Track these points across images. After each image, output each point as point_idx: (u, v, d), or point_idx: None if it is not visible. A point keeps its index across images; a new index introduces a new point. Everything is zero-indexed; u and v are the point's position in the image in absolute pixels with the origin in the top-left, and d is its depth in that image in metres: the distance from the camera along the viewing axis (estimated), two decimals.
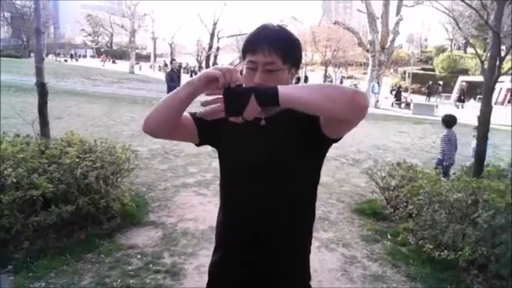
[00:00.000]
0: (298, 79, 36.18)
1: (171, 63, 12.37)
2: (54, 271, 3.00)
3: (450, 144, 5.76)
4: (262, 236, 1.29)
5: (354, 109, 1.06)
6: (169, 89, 9.82)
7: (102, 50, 60.91)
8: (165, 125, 1.25)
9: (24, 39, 49.07)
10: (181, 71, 40.16)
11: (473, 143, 5.58)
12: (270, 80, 1.20)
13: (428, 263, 3.52)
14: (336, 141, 1.26)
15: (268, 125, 1.27)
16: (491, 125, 4.57)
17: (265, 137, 1.26)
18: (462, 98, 26.72)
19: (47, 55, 44.23)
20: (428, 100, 29.72)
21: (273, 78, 1.20)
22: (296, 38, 1.29)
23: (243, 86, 1.11)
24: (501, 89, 27.94)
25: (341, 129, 1.21)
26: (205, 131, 1.34)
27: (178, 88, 1.18)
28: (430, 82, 32.84)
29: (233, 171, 1.35)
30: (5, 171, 3.18)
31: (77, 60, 48.71)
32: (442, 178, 4.63)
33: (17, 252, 3.20)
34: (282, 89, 1.04)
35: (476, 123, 4.64)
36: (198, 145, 1.43)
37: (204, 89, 1.11)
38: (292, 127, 1.25)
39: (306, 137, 1.24)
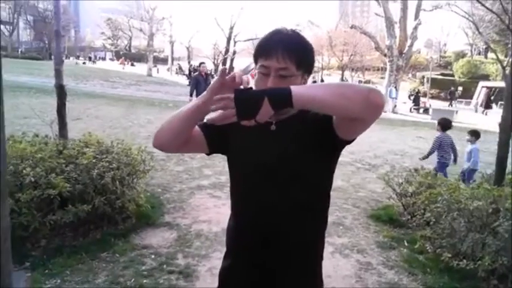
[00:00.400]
0: (314, 83, 36.11)
1: (199, 66, 11.73)
2: (70, 269, 3.04)
3: (442, 147, 5.99)
4: (272, 239, 1.27)
5: (369, 107, 1.03)
6: (197, 94, 9.54)
7: (121, 53, 61.87)
8: (176, 139, 1.25)
9: (46, 42, 50.29)
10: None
11: (468, 147, 6.12)
12: (283, 85, 1.15)
13: (446, 272, 3.43)
14: (349, 142, 1.23)
15: (278, 129, 1.25)
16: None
17: (275, 141, 1.24)
18: (489, 104, 26.06)
19: (67, 58, 45.28)
20: (451, 106, 29.12)
21: (285, 84, 1.15)
22: (309, 43, 1.26)
23: (252, 89, 1.08)
24: None
25: (355, 129, 1.17)
26: (214, 139, 1.33)
27: (189, 103, 1.19)
28: (452, 88, 32.15)
29: (243, 175, 1.33)
30: (24, 171, 3.24)
31: (94, 62, 49.50)
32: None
33: (34, 250, 3.25)
34: (295, 89, 1.01)
35: (471, 127, 4.54)
36: (208, 154, 1.41)
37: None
38: (302, 131, 1.23)
39: (317, 140, 1.21)
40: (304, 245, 1.30)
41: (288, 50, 1.18)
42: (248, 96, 1.02)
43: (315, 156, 1.23)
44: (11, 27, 54.10)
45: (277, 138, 1.24)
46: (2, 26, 52.70)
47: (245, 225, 1.33)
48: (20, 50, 50.18)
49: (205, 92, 1.14)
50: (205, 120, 1.21)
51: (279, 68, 1.18)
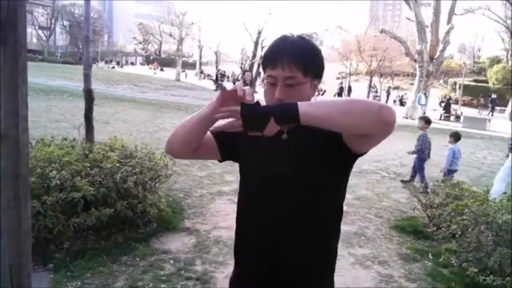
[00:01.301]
0: (342, 89, 35.72)
1: (243, 73, 11.12)
2: (91, 271, 3.11)
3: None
4: (279, 251, 1.24)
5: (379, 125, 1.02)
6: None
7: (151, 57, 63.22)
8: (187, 145, 1.27)
9: (80, 47, 52.08)
10: (225, 79, 40.89)
11: (446, 151, 6.52)
12: (291, 94, 1.16)
13: (471, 287, 3.30)
14: (360, 155, 1.21)
15: (289, 138, 1.23)
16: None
17: (286, 150, 1.22)
18: None
19: (95, 62, 46.70)
20: (492, 115, 27.88)
21: (294, 93, 1.17)
22: (317, 48, 1.24)
23: (259, 103, 1.06)
24: None
25: (366, 144, 1.15)
26: (226, 146, 1.34)
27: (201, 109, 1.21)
28: (493, 95, 30.69)
29: (251, 184, 1.32)
30: (50, 174, 3.34)
31: (122, 67, 50.62)
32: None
33: (57, 252, 3.34)
34: (302, 108, 1.01)
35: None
36: (220, 161, 1.42)
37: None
38: (314, 141, 1.20)
39: (328, 151, 1.18)
40: (313, 257, 1.27)
41: (293, 58, 1.16)
42: (254, 112, 1.03)
43: (325, 167, 1.20)
44: (48, 32, 56.42)
45: (288, 147, 1.22)
46: (39, 31, 55.13)
47: (251, 236, 1.31)
48: (58, 55, 52.21)
49: (214, 100, 1.15)
50: (214, 128, 1.22)
51: (285, 77, 1.17)
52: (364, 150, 1.19)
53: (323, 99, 1.15)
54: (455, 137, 6.62)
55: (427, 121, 7.05)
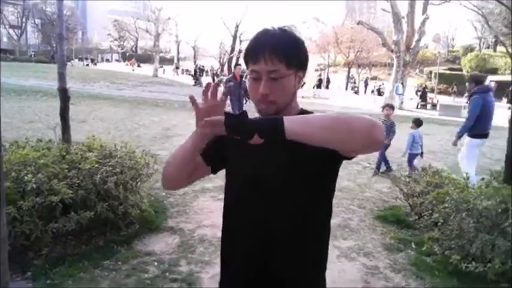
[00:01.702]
0: (320, 81, 35.93)
1: (235, 67, 10.50)
2: (72, 278, 3.01)
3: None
4: (266, 254, 1.21)
5: (369, 146, 1.01)
6: (231, 99, 8.76)
7: (127, 54, 62.15)
8: (180, 175, 1.29)
9: (54, 45, 50.69)
10: (204, 73, 40.48)
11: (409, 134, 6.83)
12: (276, 88, 1.14)
13: (455, 275, 3.35)
14: (349, 159, 1.18)
15: None
16: None
17: (274, 150, 1.14)
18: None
19: (72, 59, 45.52)
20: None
21: (278, 86, 1.14)
22: (300, 39, 1.21)
23: (246, 114, 1.01)
24: None
25: (353, 153, 1.15)
26: (214, 159, 1.33)
27: (186, 140, 1.22)
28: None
29: (239, 185, 1.28)
30: (26, 177, 3.21)
31: (95, 64, 49.44)
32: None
33: (36, 259, 3.22)
34: (288, 126, 0.97)
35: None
36: (214, 173, 1.40)
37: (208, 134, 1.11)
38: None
39: (316, 151, 1.13)
40: (305, 257, 1.24)
41: (275, 51, 1.13)
42: (238, 127, 0.99)
43: (315, 168, 1.17)
44: (19, 31, 54.66)
45: (276, 148, 1.15)
46: (10, 30, 53.41)
47: (239, 239, 1.27)
48: (31, 54, 50.70)
49: (196, 130, 1.16)
50: (197, 131, 1.17)
51: (268, 70, 1.13)
52: (353, 156, 1.17)
53: (313, 115, 1.10)
54: (417, 123, 6.97)
55: (391, 107, 7.37)
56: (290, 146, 1.16)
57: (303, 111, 1.26)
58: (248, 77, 1.20)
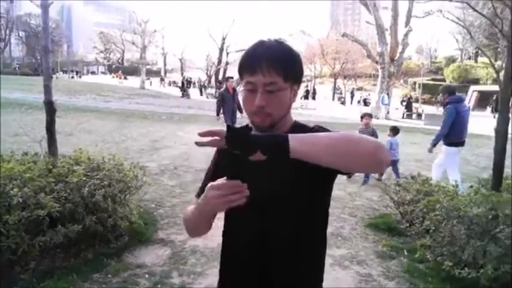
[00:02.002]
0: (307, 92, 36.24)
1: (226, 80, 9.70)
2: None
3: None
4: (271, 266, 1.18)
5: (373, 166, 1.01)
6: (224, 113, 8.65)
7: (113, 66, 61.84)
8: (203, 230, 1.27)
9: (38, 58, 50.18)
10: (191, 85, 40.44)
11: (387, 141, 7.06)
12: (272, 100, 1.11)
13: (448, 281, 3.36)
14: (348, 174, 1.18)
15: None
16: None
17: (275, 166, 1.08)
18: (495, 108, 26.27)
19: (58, 72, 44.97)
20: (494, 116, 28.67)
21: (275, 99, 1.11)
22: (296, 52, 1.18)
23: (250, 128, 0.98)
24: None
25: (355, 172, 1.16)
26: None
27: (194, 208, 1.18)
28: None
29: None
30: (11, 191, 3.13)
31: (80, 77, 48.91)
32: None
33: (23, 273, 3.13)
34: (293, 144, 0.94)
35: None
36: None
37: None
38: None
39: (315, 167, 1.09)
40: (305, 269, 1.21)
41: (272, 64, 1.10)
42: (240, 141, 0.94)
43: (315, 182, 1.15)
44: (3, 43, 54.05)
45: (276, 164, 1.15)
46: None
47: (241, 256, 1.23)
48: (16, 67, 50.05)
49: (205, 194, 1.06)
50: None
51: (265, 83, 1.10)
52: (353, 172, 1.17)
53: (318, 134, 1.05)
54: (394, 131, 7.39)
55: (369, 115, 7.75)
56: (291, 163, 1.14)
57: (296, 124, 1.24)
58: (243, 89, 1.16)
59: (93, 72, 63.34)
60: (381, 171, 1.01)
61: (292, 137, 0.95)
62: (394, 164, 6.94)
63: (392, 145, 7.07)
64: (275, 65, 1.10)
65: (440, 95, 6.63)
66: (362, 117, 7.60)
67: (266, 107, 1.12)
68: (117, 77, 47.08)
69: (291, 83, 1.15)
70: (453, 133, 5.80)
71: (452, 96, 6.04)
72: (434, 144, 6.12)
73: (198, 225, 1.23)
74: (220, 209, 1.06)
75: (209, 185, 1.04)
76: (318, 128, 1.17)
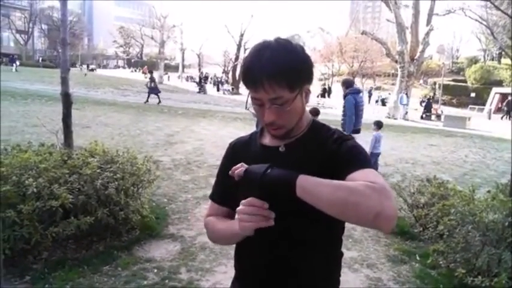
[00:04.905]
0: (325, 90, 35.98)
1: None
2: (71, 283, 2.97)
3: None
4: (288, 266, 1.15)
5: (378, 224, 0.93)
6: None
7: (132, 60, 62.54)
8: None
9: (60, 50, 51.02)
10: (208, 81, 40.56)
11: (371, 138, 7.22)
12: (282, 113, 1.07)
13: None
14: None
15: (287, 151, 1.15)
16: None
17: (284, 162, 1.08)
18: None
19: (82, 65, 45.50)
20: (508, 118, 25.71)
21: (284, 112, 1.07)
22: (298, 51, 1.08)
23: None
24: None
25: None
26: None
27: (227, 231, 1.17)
28: (510, 97, 26.86)
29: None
30: (26, 181, 3.18)
31: (92, 70, 49.12)
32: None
33: (35, 263, 3.19)
34: (300, 193, 0.95)
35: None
36: None
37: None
38: (311, 153, 1.12)
39: (326, 164, 1.08)
40: (316, 275, 1.18)
41: (274, 79, 1.03)
42: (253, 186, 1.00)
43: (327, 174, 1.12)
44: (26, 36, 55.17)
45: (285, 160, 1.11)
46: (17, 35, 53.93)
47: (250, 247, 1.19)
48: (40, 59, 50.93)
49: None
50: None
51: (269, 98, 1.06)
52: None
53: (325, 186, 0.96)
54: (378, 125, 7.44)
55: (378, 124, 7.65)
56: (304, 155, 1.12)
57: (315, 125, 1.20)
58: (252, 102, 1.12)
59: (104, 66, 64.11)
60: (388, 227, 0.96)
61: (299, 186, 0.95)
62: (374, 157, 6.99)
63: (376, 139, 7.24)
64: (276, 78, 1.03)
65: (343, 88, 6.92)
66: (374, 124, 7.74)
67: (277, 121, 1.09)
68: (143, 72, 47.52)
69: (300, 88, 1.10)
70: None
71: (351, 88, 6.77)
72: (350, 133, 6.31)
73: (230, 242, 1.25)
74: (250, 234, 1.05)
75: (241, 208, 1.03)
76: (338, 137, 1.14)
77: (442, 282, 3.40)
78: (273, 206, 1.02)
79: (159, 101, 18.69)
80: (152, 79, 19.35)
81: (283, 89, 1.04)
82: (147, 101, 18.65)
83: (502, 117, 26.28)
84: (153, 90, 18.99)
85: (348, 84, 6.90)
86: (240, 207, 1.02)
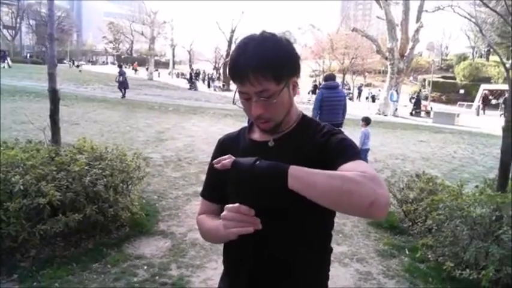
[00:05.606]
0: (316, 87, 36.03)
1: None
2: (59, 281, 2.94)
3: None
4: (270, 271, 1.15)
5: (372, 213, 0.91)
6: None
7: (122, 56, 61.94)
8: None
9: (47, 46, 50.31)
10: (199, 77, 40.41)
11: (361, 132, 7.37)
12: (269, 106, 1.07)
13: (448, 281, 3.32)
14: None
15: (276, 145, 1.15)
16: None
17: (273, 157, 1.05)
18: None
19: (62, 61, 44.76)
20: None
21: (271, 104, 1.07)
22: (283, 44, 1.09)
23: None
24: None
25: None
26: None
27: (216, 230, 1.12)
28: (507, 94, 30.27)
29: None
30: (13, 179, 3.14)
31: (77, 66, 48.44)
32: None
33: (23, 261, 3.15)
34: (292, 183, 0.92)
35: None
36: None
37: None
38: (301, 147, 1.12)
39: (315, 158, 1.07)
40: (306, 270, 1.18)
41: (260, 71, 1.03)
42: (241, 170, 0.97)
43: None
44: (13, 32, 54.35)
45: (274, 154, 1.09)
46: (4, 31, 53.08)
47: (245, 255, 1.18)
48: (28, 55, 50.11)
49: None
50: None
51: (256, 92, 1.06)
52: None
53: (317, 174, 0.94)
54: (366, 121, 7.57)
55: (366, 121, 7.77)
56: (293, 154, 1.11)
57: (304, 119, 1.21)
58: (239, 97, 1.12)
59: (92, 63, 63.32)
60: (380, 215, 0.95)
61: (291, 175, 0.93)
62: (363, 153, 7.05)
63: (366, 135, 7.34)
64: (263, 71, 1.03)
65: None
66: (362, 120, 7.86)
67: (264, 114, 1.08)
68: (133, 68, 47.16)
69: (287, 81, 1.09)
70: (323, 115, 6.55)
71: (326, 83, 6.95)
72: None
73: (220, 242, 1.22)
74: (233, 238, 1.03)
75: (225, 214, 1.01)
76: (327, 131, 1.13)
77: (431, 276, 3.43)
78: (262, 201, 0.99)
79: (123, 96, 18.57)
80: (121, 73, 18.97)
81: (269, 81, 1.04)
82: (124, 96, 18.54)
83: (500, 115, 26.55)
84: (122, 84, 18.77)
85: (325, 79, 7.16)
86: (225, 212, 1.00)
